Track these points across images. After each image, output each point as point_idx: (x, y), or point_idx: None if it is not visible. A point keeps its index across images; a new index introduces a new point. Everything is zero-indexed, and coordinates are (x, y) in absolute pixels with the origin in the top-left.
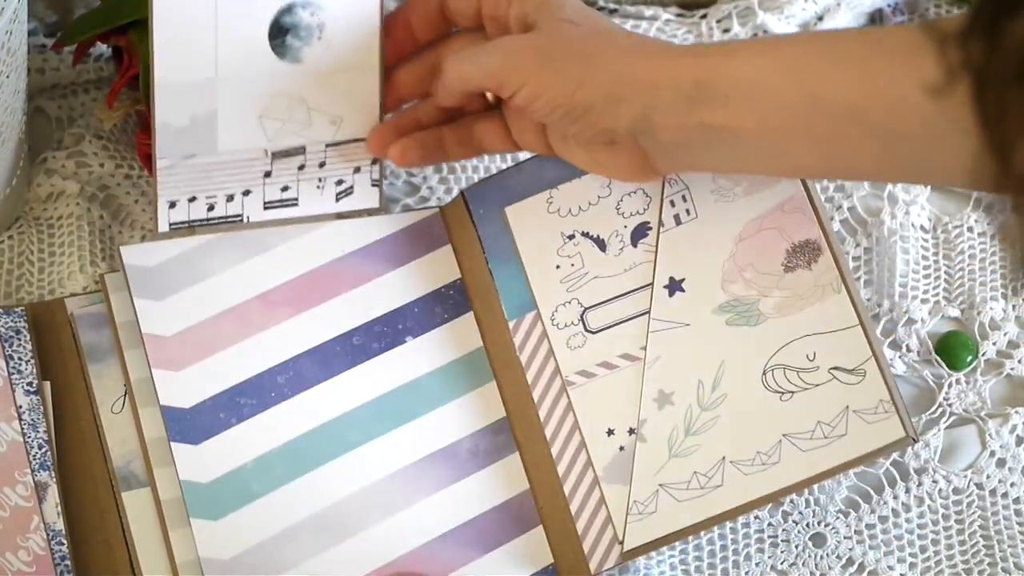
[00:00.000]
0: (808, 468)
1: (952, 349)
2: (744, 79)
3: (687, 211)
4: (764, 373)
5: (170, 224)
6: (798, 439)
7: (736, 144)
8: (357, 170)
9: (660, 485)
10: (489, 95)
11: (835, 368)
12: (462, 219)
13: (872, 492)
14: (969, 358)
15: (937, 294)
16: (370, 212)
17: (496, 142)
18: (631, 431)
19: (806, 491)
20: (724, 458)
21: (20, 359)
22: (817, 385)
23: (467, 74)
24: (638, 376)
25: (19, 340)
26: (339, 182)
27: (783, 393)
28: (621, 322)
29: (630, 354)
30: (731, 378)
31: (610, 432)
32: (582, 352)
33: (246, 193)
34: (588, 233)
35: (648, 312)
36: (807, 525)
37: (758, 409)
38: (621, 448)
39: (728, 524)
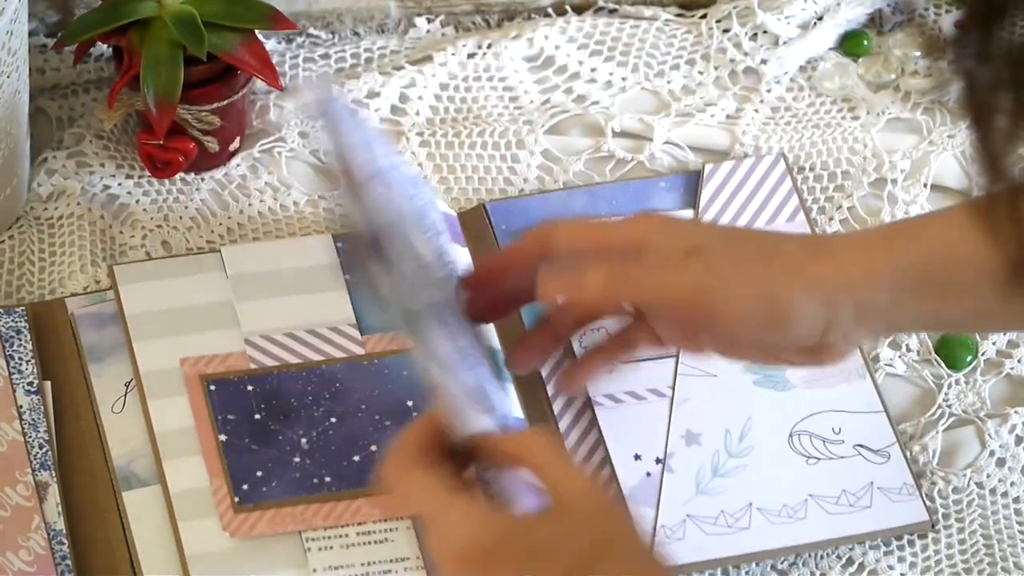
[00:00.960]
0: (833, 529)
1: (951, 349)
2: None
3: None
4: (790, 436)
5: None
6: (824, 501)
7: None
8: None
9: (688, 516)
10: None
11: (860, 446)
12: (482, 228)
13: None
14: (969, 358)
15: None
16: None
17: (648, 344)
18: (658, 460)
19: None
20: (751, 504)
21: (20, 359)
22: (843, 457)
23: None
24: (665, 412)
25: (19, 340)
26: None
27: (809, 457)
28: (649, 359)
29: (658, 390)
30: (758, 433)
31: (637, 457)
32: (609, 378)
33: None
34: None
35: (676, 356)
36: None
37: (785, 466)
38: (648, 474)
39: None
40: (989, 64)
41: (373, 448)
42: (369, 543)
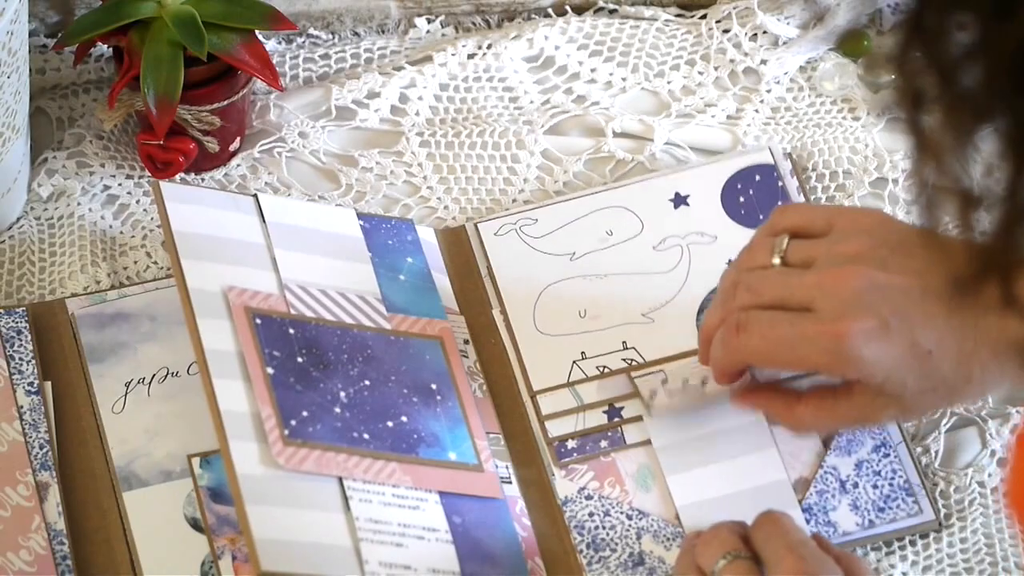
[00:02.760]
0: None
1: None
2: None
3: None
4: None
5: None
6: None
7: None
8: None
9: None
10: None
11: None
12: (465, 252)
13: None
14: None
15: None
16: None
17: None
18: None
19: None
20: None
21: (21, 359)
22: None
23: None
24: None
25: (20, 340)
26: None
27: None
28: None
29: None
30: None
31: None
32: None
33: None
34: None
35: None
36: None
37: None
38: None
39: None
40: (928, 77)
41: (404, 419)
42: (403, 506)
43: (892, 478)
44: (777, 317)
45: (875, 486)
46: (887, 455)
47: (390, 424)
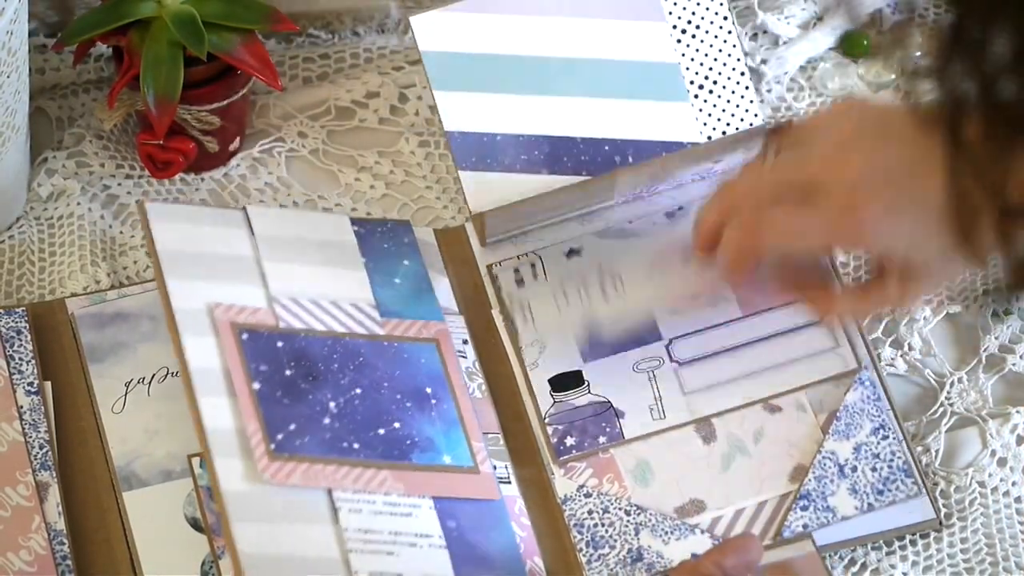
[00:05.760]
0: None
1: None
2: None
3: None
4: None
5: None
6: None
7: None
8: None
9: None
10: None
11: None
12: (465, 252)
13: None
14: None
15: (940, 292)
16: None
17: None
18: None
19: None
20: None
21: (21, 359)
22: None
23: None
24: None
25: (20, 340)
26: None
27: None
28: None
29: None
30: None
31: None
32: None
33: None
34: None
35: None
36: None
37: None
38: None
39: None
40: (968, 87)
41: (396, 425)
42: (395, 514)
43: (891, 460)
44: (789, 211)
45: (874, 469)
46: (886, 437)
47: (382, 431)
